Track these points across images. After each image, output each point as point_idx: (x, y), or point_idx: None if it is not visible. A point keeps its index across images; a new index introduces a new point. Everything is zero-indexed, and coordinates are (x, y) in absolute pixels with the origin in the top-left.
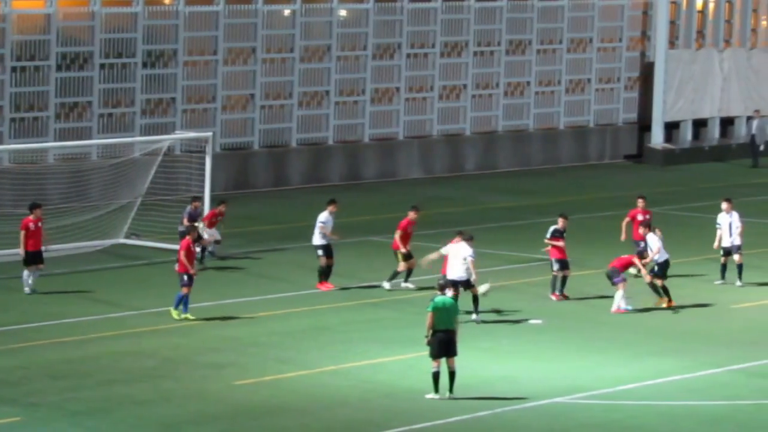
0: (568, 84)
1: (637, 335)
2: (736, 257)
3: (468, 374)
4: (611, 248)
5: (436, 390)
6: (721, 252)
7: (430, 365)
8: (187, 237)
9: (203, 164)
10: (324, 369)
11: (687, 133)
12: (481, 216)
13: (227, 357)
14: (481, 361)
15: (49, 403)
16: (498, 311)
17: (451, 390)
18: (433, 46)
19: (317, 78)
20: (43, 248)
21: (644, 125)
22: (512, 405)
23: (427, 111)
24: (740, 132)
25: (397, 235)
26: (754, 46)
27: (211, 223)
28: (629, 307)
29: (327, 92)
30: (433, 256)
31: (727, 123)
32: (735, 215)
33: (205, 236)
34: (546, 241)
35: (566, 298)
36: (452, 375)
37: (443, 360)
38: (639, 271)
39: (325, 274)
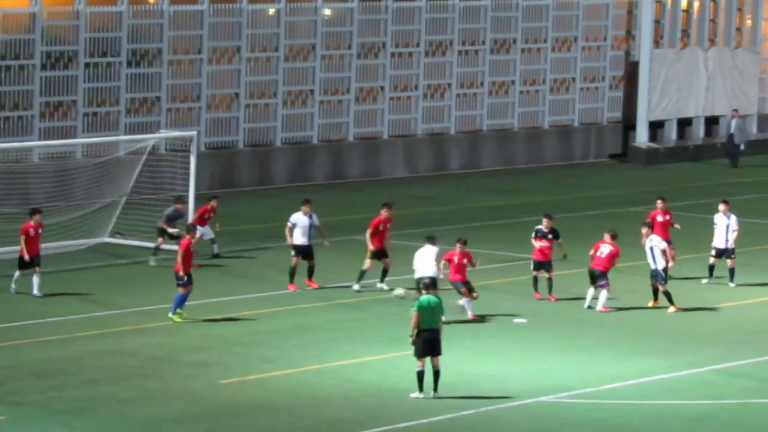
0: (553, 83)
1: (622, 334)
2: (728, 261)
3: (453, 373)
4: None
5: (421, 389)
6: (713, 252)
7: (415, 364)
8: (187, 236)
9: (188, 163)
10: (308, 368)
11: (671, 133)
12: (465, 215)
13: (211, 356)
14: (466, 360)
15: (33, 402)
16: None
17: (435, 389)
18: (418, 45)
19: (302, 77)
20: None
21: (629, 124)
22: (497, 404)
23: (411, 110)
24: (724, 131)
25: (368, 233)
26: (738, 45)
27: (203, 220)
28: (611, 308)
29: (311, 91)
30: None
31: (711, 122)
32: (733, 218)
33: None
34: (532, 241)
35: (553, 300)
36: (437, 374)
37: (428, 359)
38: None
39: (291, 275)
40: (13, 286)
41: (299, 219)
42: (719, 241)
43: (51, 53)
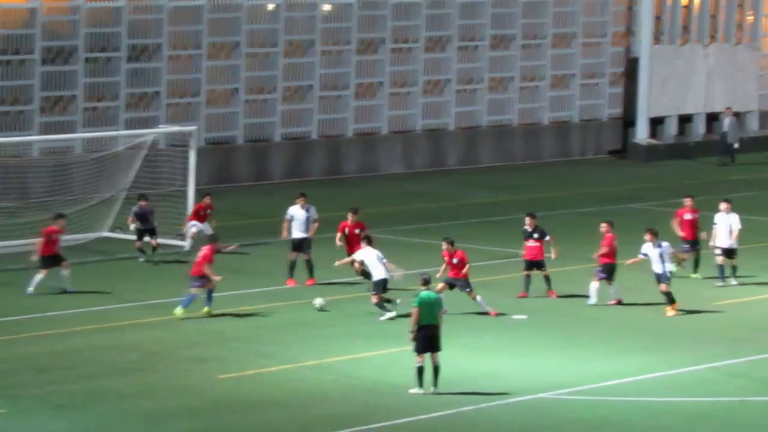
0: (552, 79)
1: (621, 331)
2: (733, 260)
3: (451, 369)
4: (592, 245)
5: (421, 384)
6: (718, 251)
7: (414, 360)
8: (212, 245)
9: (186, 158)
10: (306, 363)
11: (671, 129)
12: (462, 211)
13: (210, 351)
14: (465, 356)
15: (32, 396)
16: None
17: (435, 384)
18: (417, 41)
19: (300, 73)
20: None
21: (628, 121)
22: (496, 401)
23: (410, 106)
24: (723, 128)
25: (337, 237)
26: (739, 41)
27: (201, 217)
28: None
29: (310, 87)
30: (347, 260)
31: (712, 119)
32: (735, 216)
33: (192, 231)
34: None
35: (553, 296)
36: (436, 370)
37: (427, 355)
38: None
39: (290, 269)
40: (32, 288)
41: (297, 212)
42: (722, 240)
43: (51, 48)
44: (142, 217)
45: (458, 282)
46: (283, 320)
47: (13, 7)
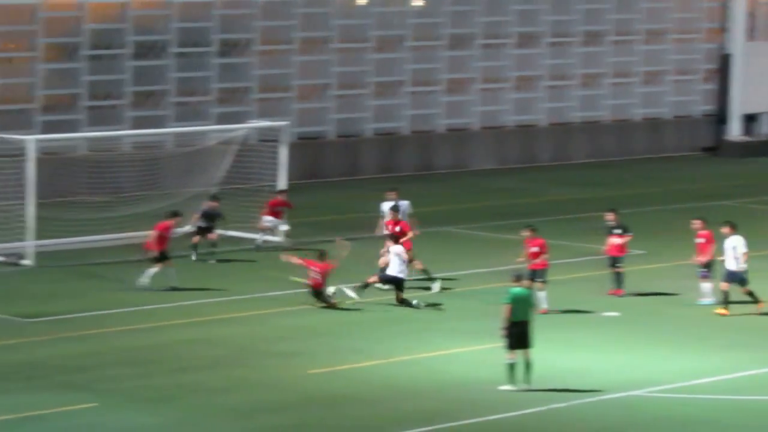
0: (645, 76)
1: (710, 330)
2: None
3: (542, 366)
4: (685, 241)
5: (512, 381)
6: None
7: (505, 356)
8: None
9: (275, 153)
10: (396, 359)
11: (764, 126)
12: (551, 207)
13: (300, 346)
14: (555, 352)
15: (122, 390)
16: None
17: (528, 380)
18: (509, 36)
19: (391, 68)
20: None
21: (721, 117)
22: (587, 397)
23: (501, 102)
24: None
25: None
26: None
27: (275, 213)
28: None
29: (401, 82)
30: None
31: None
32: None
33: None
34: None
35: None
36: (528, 366)
37: (518, 351)
38: None
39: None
40: (147, 280)
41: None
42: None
43: (142, 43)
44: (209, 216)
45: (536, 273)
46: (373, 316)
47: (105, 1)
